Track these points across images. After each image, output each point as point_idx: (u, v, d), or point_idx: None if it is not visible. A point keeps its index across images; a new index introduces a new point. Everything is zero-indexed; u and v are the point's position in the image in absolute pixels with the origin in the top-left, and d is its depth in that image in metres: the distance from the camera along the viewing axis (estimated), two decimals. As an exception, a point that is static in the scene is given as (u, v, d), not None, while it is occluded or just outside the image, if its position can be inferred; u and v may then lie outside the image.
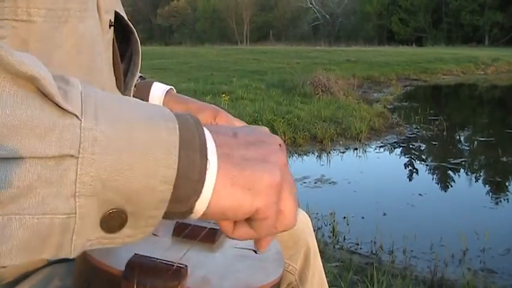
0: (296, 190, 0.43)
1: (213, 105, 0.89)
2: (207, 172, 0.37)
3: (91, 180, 0.32)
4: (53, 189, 0.31)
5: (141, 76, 0.92)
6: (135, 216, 0.35)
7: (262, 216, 0.39)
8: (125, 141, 0.33)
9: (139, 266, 0.44)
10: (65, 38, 0.54)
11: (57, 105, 0.32)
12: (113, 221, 0.34)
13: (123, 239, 0.36)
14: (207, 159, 0.37)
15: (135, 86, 0.87)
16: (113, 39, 0.69)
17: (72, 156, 0.31)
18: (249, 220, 0.40)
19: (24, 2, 0.50)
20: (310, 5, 51.26)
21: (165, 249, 0.51)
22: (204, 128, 0.39)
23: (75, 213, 0.32)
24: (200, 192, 0.36)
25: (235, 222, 0.41)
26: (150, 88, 0.88)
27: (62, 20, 0.54)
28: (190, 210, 0.37)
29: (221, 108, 0.91)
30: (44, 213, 0.31)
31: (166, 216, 0.37)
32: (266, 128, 0.48)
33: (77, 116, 0.32)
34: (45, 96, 0.32)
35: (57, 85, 0.33)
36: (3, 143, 0.30)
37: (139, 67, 0.77)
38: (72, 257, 0.35)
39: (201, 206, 0.37)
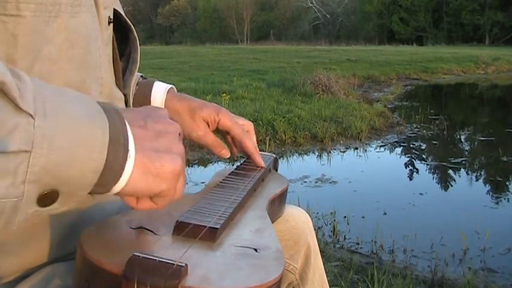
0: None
1: (215, 104, 0.89)
2: (126, 164, 0.45)
3: (38, 170, 0.39)
4: (9, 179, 0.38)
5: (141, 76, 0.92)
6: (65, 195, 0.43)
7: (164, 195, 0.50)
8: (67, 138, 0.41)
9: (140, 265, 0.44)
10: (55, 33, 0.55)
11: (16, 105, 0.38)
12: (47, 199, 0.42)
13: (50, 211, 0.43)
14: (128, 153, 0.45)
15: (137, 85, 0.87)
16: (113, 37, 0.69)
17: (26, 151, 0.38)
18: (152, 196, 0.50)
19: None
20: (311, 5, 51.23)
21: (165, 248, 0.51)
22: (126, 123, 0.46)
23: (23, 196, 0.39)
24: (119, 179, 0.45)
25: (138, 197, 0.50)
26: (151, 87, 0.88)
27: (52, 14, 0.54)
28: (108, 191, 0.46)
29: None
30: (1, 198, 0.38)
31: (89, 193, 0.45)
32: (164, 109, 0.55)
33: (31, 115, 0.38)
34: (7, 97, 0.38)
35: (15, 81, 0.38)
36: None
37: (138, 65, 0.77)
38: (13, 229, 0.41)
39: (117, 188, 0.46)
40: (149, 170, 0.47)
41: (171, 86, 0.90)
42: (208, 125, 0.87)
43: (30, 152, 0.38)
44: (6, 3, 0.50)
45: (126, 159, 0.45)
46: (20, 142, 0.37)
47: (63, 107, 0.42)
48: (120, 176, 0.45)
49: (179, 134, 0.53)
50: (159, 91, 0.88)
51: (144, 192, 0.48)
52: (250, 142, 0.86)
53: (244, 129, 0.88)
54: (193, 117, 0.86)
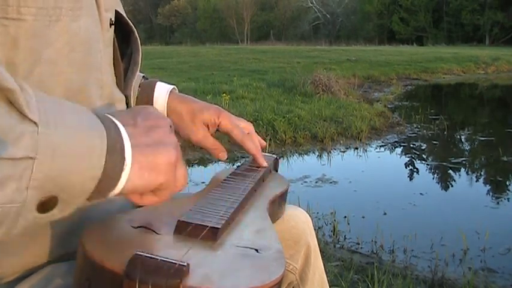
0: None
1: (216, 106, 0.89)
2: (123, 172, 0.47)
3: (41, 177, 0.40)
4: (14, 184, 0.39)
5: (143, 76, 0.92)
6: (64, 202, 0.44)
7: (164, 187, 0.51)
8: (69, 146, 0.42)
9: (141, 264, 0.44)
10: (56, 36, 0.55)
11: (21, 113, 0.39)
12: (47, 205, 0.43)
13: (49, 217, 0.44)
14: (124, 160, 0.47)
15: (139, 86, 0.88)
16: (114, 38, 0.69)
17: (31, 158, 0.39)
18: (153, 190, 0.51)
19: (15, 1, 0.51)
20: (311, 5, 51.23)
21: (167, 248, 0.51)
22: (120, 128, 0.48)
23: (26, 202, 0.40)
24: (116, 186, 0.47)
25: (141, 193, 0.51)
26: (154, 88, 0.88)
27: (53, 18, 0.54)
28: (105, 196, 0.48)
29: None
30: (6, 203, 0.39)
31: (87, 200, 0.47)
32: (152, 107, 0.57)
33: (36, 123, 0.40)
34: (13, 105, 0.39)
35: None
36: None
37: (140, 66, 0.77)
38: (15, 234, 0.42)
39: (115, 192, 0.48)
40: (144, 165, 0.48)
41: (172, 86, 0.91)
42: (209, 128, 0.87)
43: (35, 158, 0.39)
44: (7, 6, 0.50)
45: (122, 167, 0.47)
46: (26, 149, 0.39)
47: (64, 116, 0.43)
48: (117, 183, 0.47)
49: (170, 126, 0.54)
50: (162, 92, 0.88)
51: (143, 188, 0.49)
52: (252, 143, 0.86)
53: (245, 132, 0.88)
54: (194, 119, 0.86)
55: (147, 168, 0.48)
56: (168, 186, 0.51)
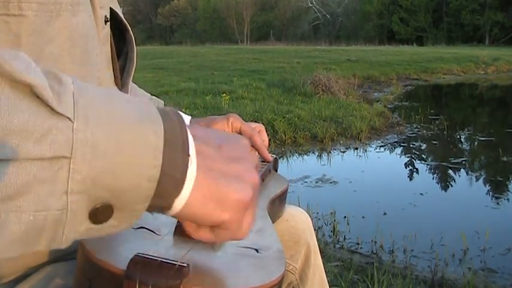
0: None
1: (220, 116, 0.92)
2: (188, 170, 0.40)
3: (82, 179, 0.35)
4: (47, 188, 0.34)
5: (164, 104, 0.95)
6: (121, 209, 0.38)
7: (225, 228, 0.43)
8: (114, 143, 0.36)
9: (141, 265, 0.44)
10: (57, 32, 0.55)
11: (51, 108, 0.34)
12: (101, 214, 0.37)
13: (108, 229, 0.39)
14: (188, 157, 0.40)
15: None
16: (110, 36, 0.70)
17: (65, 157, 0.34)
18: (212, 227, 0.44)
19: None
20: (311, 5, 51.25)
21: (167, 248, 0.51)
22: (186, 128, 0.41)
23: (67, 209, 0.35)
24: (180, 190, 0.40)
25: (199, 224, 0.44)
26: None
27: (53, 14, 0.54)
28: (169, 207, 0.40)
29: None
30: (40, 210, 0.34)
31: (149, 209, 0.40)
32: (247, 140, 0.50)
33: (69, 119, 0.34)
34: (41, 99, 0.34)
35: (50, 84, 0.35)
36: (2, 145, 0.32)
37: (135, 64, 0.78)
38: (63, 247, 0.37)
39: (178, 204, 0.40)
40: (212, 194, 0.41)
41: (189, 117, 0.92)
42: None
43: (70, 158, 0.34)
44: (8, 3, 0.50)
45: (187, 165, 0.40)
46: (56, 147, 0.34)
47: (110, 110, 0.37)
48: (183, 185, 0.40)
49: (256, 166, 0.47)
50: None
51: (203, 218, 0.42)
52: (258, 137, 0.89)
53: (253, 128, 0.91)
54: None
55: (214, 198, 0.41)
56: (231, 227, 0.43)
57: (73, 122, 0.34)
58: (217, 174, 0.42)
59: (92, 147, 0.35)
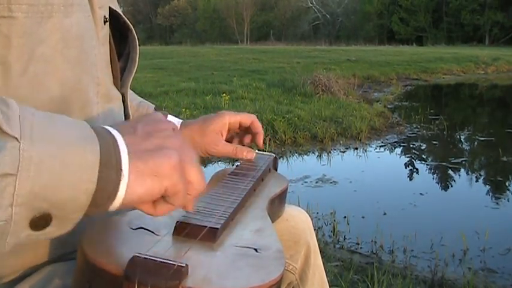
0: (196, 157, 0.51)
1: (212, 114, 0.91)
2: (120, 184, 0.44)
3: (26, 193, 0.39)
4: None
5: (155, 107, 0.94)
6: (59, 218, 0.42)
7: (172, 192, 0.47)
8: (55, 161, 0.40)
9: (140, 265, 0.44)
10: (48, 33, 0.55)
11: (0, 129, 0.38)
12: (40, 222, 0.41)
13: (46, 234, 0.43)
14: (121, 172, 0.44)
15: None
16: (110, 37, 0.69)
17: (11, 174, 0.38)
18: (164, 197, 0.48)
19: None
20: (311, 5, 51.24)
21: (166, 249, 0.51)
22: (117, 139, 0.46)
23: (11, 219, 0.39)
24: (114, 198, 0.44)
25: (154, 202, 0.48)
26: None
27: (45, 15, 0.54)
28: (105, 210, 0.45)
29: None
30: None
31: (85, 215, 0.44)
32: (159, 114, 0.54)
33: (16, 139, 0.38)
34: None
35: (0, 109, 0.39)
36: None
37: (137, 64, 0.77)
38: (3, 251, 0.41)
39: (116, 204, 0.45)
40: (144, 172, 0.46)
41: (181, 120, 0.92)
42: (222, 134, 0.88)
43: (16, 175, 0.38)
44: None
45: (119, 180, 0.44)
46: (5, 165, 0.37)
47: (52, 131, 0.41)
48: (116, 194, 0.44)
49: (173, 129, 0.52)
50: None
51: (148, 195, 0.46)
52: (258, 122, 0.91)
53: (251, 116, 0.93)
54: (204, 133, 0.87)
55: (148, 174, 0.46)
56: (177, 190, 0.48)
57: (19, 142, 0.38)
58: (141, 153, 0.46)
59: (35, 165, 0.39)
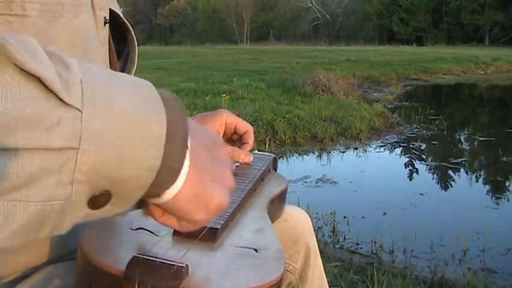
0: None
1: (208, 112, 0.88)
2: (184, 163, 0.41)
3: (87, 170, 0.35)
4: (54, 178, 0.34)
5: None
6: (119, 196, 0.39)
7: (194, 224, 0.46)
8: (119, 134, 0.37)
9: (140, 266, 0.44)
10: (59, 33, 0.55)
11: (60, 99, 0.34)
12: (99, 200, 0.38)
13: (104, 214, 0.40)
14: (187, 148, 0.41)
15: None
16: (109, 37, 0.70)
17: (73, 148, 0.34)
18: (189, 220, 0.45)
19: None
20: (311, 5, 51.24)
21: (166, 249, 0.51)
22: (186, 117, 0.42)
23: (71, 198, 0.36)
24: (175, 181, 0.41)
25: (165, 210, 0.45)
26: None
27: (56, 14, 0.54)
28: (159, 195, 0.42)
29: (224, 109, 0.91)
30: (46, 200, 0.34)
31: (142, 197, 0.41)
32: (229, 147, 0.53)
33: (78, 109, 0.35)
34: (50, 90, 0.34)
35: (58, 72, 0.35)
36: (12, 135, 0.32)
37: (136, 65, 0.77)
38: (62, 233, 0.38)
39: (169, 194, 0.42)
40: (198, 193, 0.43)
41: None
42: (219, 133, 0.86)
43: (78, 149, 0.35)
44: (11, 3, 0.50)
45: (185, 157, 0.41)
46: (66, 138, 0.34)
47: (116, 97, 0.38)
48: (178, 175, 0.41)
49: (233, 171, 0.49)
50: None
51: (183, 214, 0.44)
52: (252, 136, 0.88)
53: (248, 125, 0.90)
54: None
55: (199, 199, 0.43)
56: (198, 224, 0.46)
57: (82, 113, 0.35)
58: (205, 175, 0.44)
59: (98, 138, 0.35)
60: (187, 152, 0.42)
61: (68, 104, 0.34)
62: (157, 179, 0.40)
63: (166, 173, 0.40)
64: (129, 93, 0.39)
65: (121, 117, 0.37)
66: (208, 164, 0.45)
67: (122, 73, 0.42)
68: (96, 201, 0.38)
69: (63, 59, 0.37)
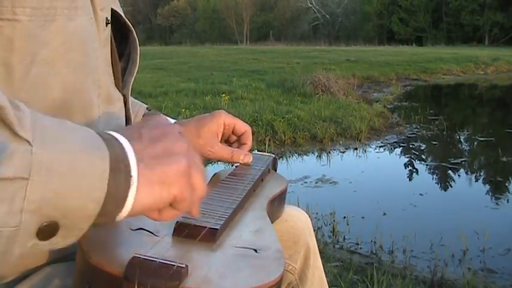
0: (201, 159, 0.51)
1: (206, 114, 0.87)
2: (130, 190, 0.43)
3: (36, 199, 0.37)
4: (5, 206, 0.36)
5: (147, 107, 0.91)
6: (66, 227, 0.41)
7: (180, 199, 0.47)
8: (66, 167, 0.39)
9: (140, 266, 0.44)
10: (52, 36, 0.55)
11: (14, 131, 0.37)
12: (47, 231, 0.40)
13: (51, 245, 0.41)
14: (131, 179, 0.43)
15: (143, 116, 0.87)
16: (111, 38, 0.69)
17: (24, 178, 0.37)
18: (170, 203, 0.47)
19: (9, 1, 0.51)
20: (310, 5, 51.24)
21: (166, 250, 0.51)
22: (124, 145, 0.45)
23: (20, 226, 0.37)
24: (123, 206, 0.43)
25: (160, 208, 0.47)
26: None
27: (48, 18, 0.54)
28: (112, 220, 0.44)
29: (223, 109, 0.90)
30: None
31: (92, 225, 0.43)
32: (162, 117, 0.54)
33: (29, 142, 0.37)
34: (4, 122, 0.37)
35: (11, 108, 0.38)
36: None
37: (138, 65, 0.77)
38: (10, 261, 0.40)
39: (124, 214, 0.44)
40: (152, 179, 0.45)
41: (174, 120, 0.90)
42: (217, 135, 0.84)
43: (28, 179, 0.37)
44: (2, 7, 0.50)
45: (129, 186, 0.43)
46: (17, 169, 0.36)
47: (62, 136, 0.41)
48: (124, 203, 0.43)
49: (179, 133, 0.50)
50: None
51: (156, 204, 0.46)
52: (250, 136, 0.88)
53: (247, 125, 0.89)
54: (200, 134, 0.82)
55: (156, 182, 0.45)
56: (185, 197, 0.47)
57: (32, 146, 0.37)
58: (148, 160, 0.45)
59: (47, 170, 0.38)
60: (132, 179, 0.43)
61: (20, 137, 0.37)
62: (103, 209, 0.42)
63: (112, 204, 0.42)
64: (75, 134, 0.42)
65: (68, 152, 0.40)
66: (146, 147, 0.46)
67: (66, 120, 0.44)
68: (45, 231, 0.40)
69: (13, 101, 0.39)
